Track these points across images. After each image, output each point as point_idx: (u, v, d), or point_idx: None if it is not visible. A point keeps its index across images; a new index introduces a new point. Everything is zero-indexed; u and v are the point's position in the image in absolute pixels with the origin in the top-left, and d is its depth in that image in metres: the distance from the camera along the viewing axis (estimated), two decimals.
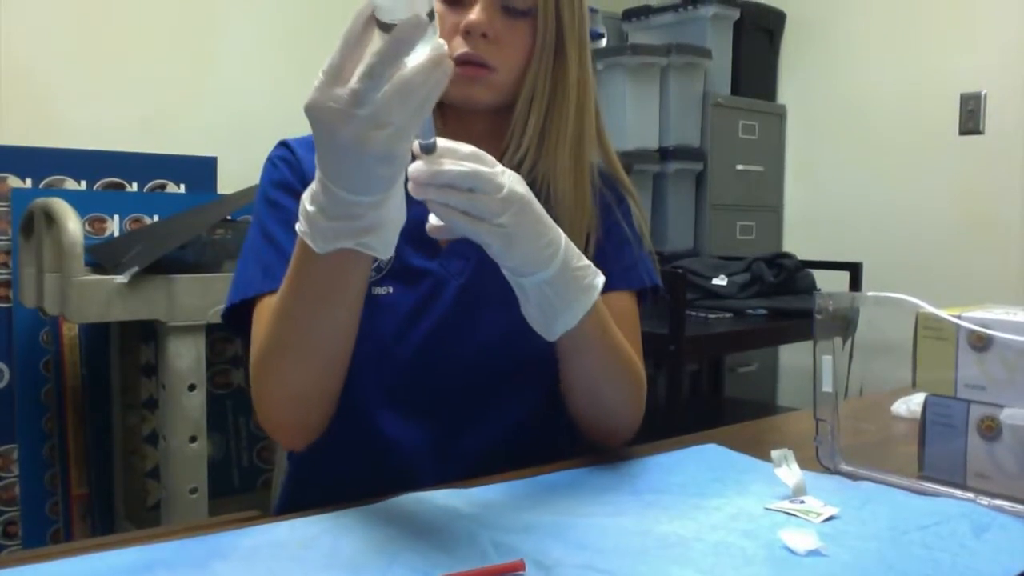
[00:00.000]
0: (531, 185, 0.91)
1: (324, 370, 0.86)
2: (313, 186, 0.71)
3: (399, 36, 0.63)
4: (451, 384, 0.97)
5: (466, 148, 0.74)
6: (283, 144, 1.01)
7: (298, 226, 0.74)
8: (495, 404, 0.99)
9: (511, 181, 0.75)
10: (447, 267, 0.97)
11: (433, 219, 0.77)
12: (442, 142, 0.73)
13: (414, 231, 0.94)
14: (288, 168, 0.98)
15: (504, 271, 0.81)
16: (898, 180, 3.20)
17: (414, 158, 0.72)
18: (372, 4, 0.65)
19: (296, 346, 0.84)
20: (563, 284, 0.81)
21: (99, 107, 2.39)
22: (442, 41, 0.66)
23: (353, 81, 0.64)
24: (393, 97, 0.64)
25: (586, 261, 0.84)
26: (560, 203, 0.95)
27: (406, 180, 0.72)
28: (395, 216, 0.73)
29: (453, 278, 0.97)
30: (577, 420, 1.00)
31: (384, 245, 0.73)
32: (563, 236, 0.81)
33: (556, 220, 0.87)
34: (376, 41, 0.65)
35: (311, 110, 0.66)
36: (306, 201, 0.72)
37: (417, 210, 0.96)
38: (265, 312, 0.90)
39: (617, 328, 0.93)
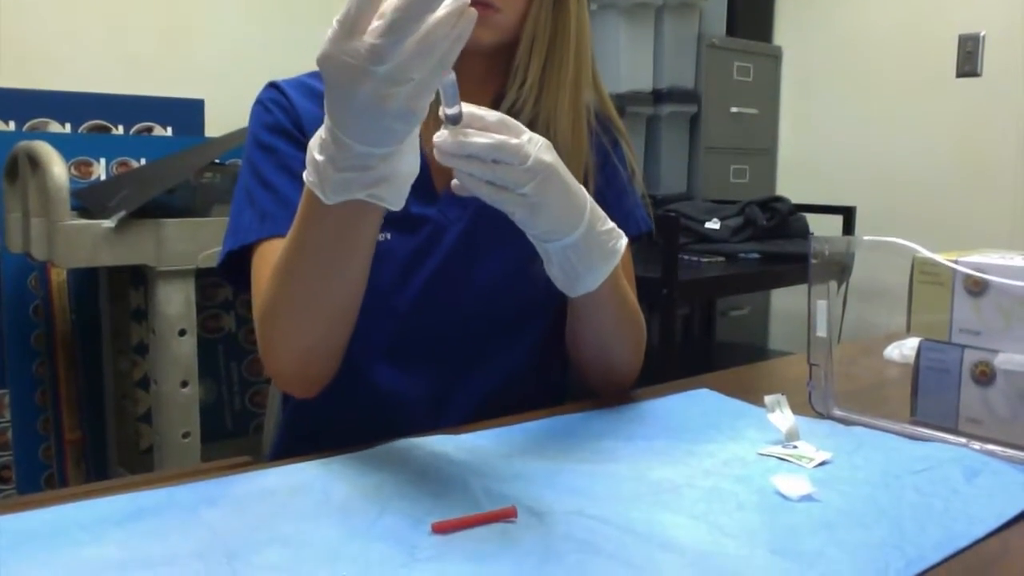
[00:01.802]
0: (530, 127, 0.90)
1: (332, 326, 0.84)
2: (322, 134, 0.69)
3: None
4: (449, 332, 0.97)
5: (493, 116, 0.72)
6: (273, 86, 0.98)
7: (306, 175, 0.71)
8: (493, 351, 0.99)
9: (537, 150, 0.74)
10: (446, 213, 0.96)
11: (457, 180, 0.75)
12: (468, 108, 0.71)
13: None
14: (281, 111, 0.95)
15: (528, 235, 0.81)
16: (894, 123, 3.17)
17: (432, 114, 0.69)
18: None
19: (303, 303, 0.82)
20: (586, 249, 0.81)
21: (83, 47, 2.34)
22: None
23: (372, 35, 0.60)
24: (414, 52, 0.61)
25: (610, 224, 0.83)
26: (559, 145, 0.93)
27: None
28: (408, 168, 0.71)
29: (452, 225, 0.96)
30: (580, 370, 1.01)
31: (396, 197, 0.71)
32: (588, 201, 0.81)
33: None
34: None
35: (325, 63, 0.63)
36: (314, 150, 0.70)
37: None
38: (266, 258, 0.88)
39: (624, 281, 0.93)
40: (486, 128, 0.71)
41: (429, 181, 0.95)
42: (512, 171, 0.72)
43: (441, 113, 0.70)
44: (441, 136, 0.71)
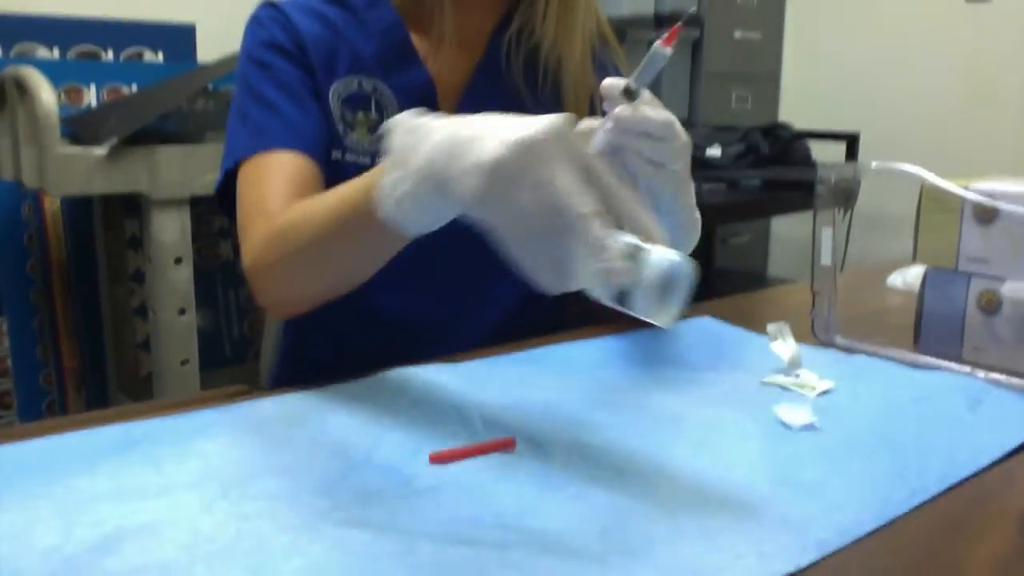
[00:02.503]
0: (536, 51, 0.93)
1: (334, 290, 0.80)
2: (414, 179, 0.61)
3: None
4: (457, 258, 0.95)
5: (647, 93, 0.71)
6: (270, 4, 0.95)
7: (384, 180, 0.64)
8: (502, 278, 0.97)
9: (680, 127, 0.73)
10: None
11: None
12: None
13: (419, 96, 0.92)
14: (279, 27, 0.93)
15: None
16: (900, 49, 3.12)
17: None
18: None
19: (316, 268, 0.78)
20: (691, 223, 0.81)
21: None
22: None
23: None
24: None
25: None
26: (570, 74, 0.94)
27: None
28: None
29: None
30: None
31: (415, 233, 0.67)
32: None
33: (564, 88, 0.91)
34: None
35: (537, 150, 0.54)
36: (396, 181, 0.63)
37: (421, 75, 0.93)
38: (259, 171, 0.85)
39: None
40: (649, 103, 0.70)
41: (435, 101, 0.94)
42: (671, 148, 0.71)
43: (619, 84, 0.69)
44: (621, 110, 0.69)
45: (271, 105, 0.89)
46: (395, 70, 0.93)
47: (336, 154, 0.92)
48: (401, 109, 0.90)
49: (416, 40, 0.94)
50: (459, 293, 0.97)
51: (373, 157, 0.92)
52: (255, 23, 0.94)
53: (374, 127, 0.92)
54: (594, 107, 0.95)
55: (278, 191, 0.84)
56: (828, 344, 0.92)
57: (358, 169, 0.91)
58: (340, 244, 0.74)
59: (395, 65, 0.93)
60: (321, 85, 0.92)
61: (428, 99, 0.93)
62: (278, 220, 0.80)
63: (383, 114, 0.92)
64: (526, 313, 0.99)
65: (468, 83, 0.96)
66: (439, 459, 0.62)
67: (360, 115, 0.92)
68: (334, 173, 0.91)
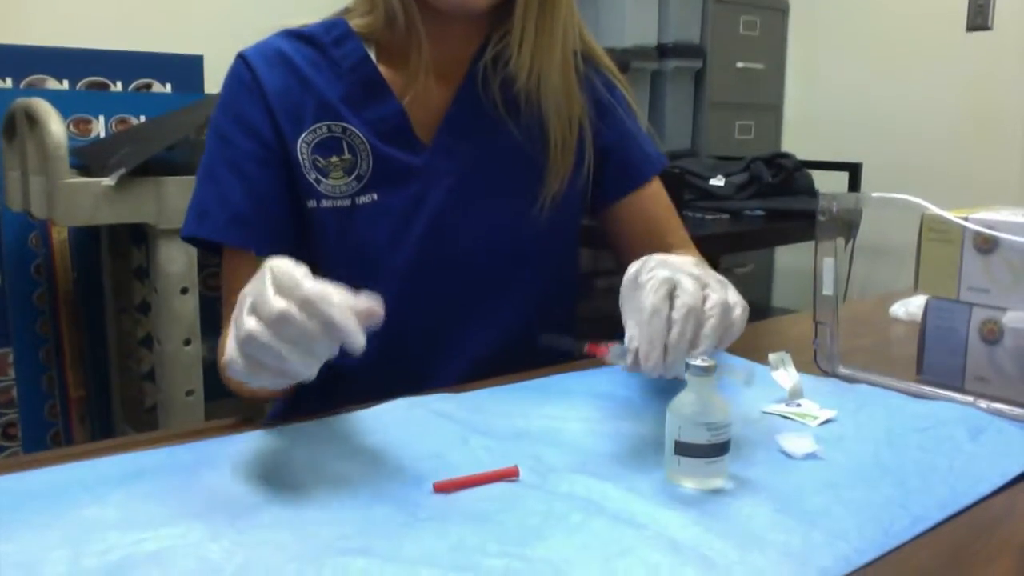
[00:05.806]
0: (526, 83, 0.92)
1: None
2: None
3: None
4: (448, 287, 0.96)
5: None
6: (242, 58, 0.95)
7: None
8: (494, 305, 0.98)
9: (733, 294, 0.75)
10: (435, 164, 0.94)
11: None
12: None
13: (391, 128, 0.91)
14: (246, 94, 0.93)
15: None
16: (902, 78, 3.13)
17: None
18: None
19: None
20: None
21: (81, 3, 2.30)
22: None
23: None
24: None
25: None
26: (550, 98, 0.94)
27: None
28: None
29: (443, 175, 0.94)
30: None
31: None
32: None
33: (546, 113, 0.92)
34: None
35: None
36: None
37: (392, 107, 0.93)
38: (228, 267, 0.94)
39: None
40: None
41: (410, 131, 0.94)
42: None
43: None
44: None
45: (220, 189, 0.92)
46: (364, 107, 0.93)
47: (311, 203, 0.93)
48: (373, 145, 0.92)
49: (388, 73, 0.94)
50: (457, 317, 0.97)
51: (353, 199, 0.92)
52: (228, 83, 0.95)
53: (349, 168, 0.92)
54: (582, 128, 0.97)
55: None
56: (830, 374, 0.92)
57: (335, 213, 0.92)
58: None
59: (364, 102, 0.93)
60: (288, 141, 0.92)
61: (401, 130, 0.93)
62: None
63: (356, 153, 0.92)
64: (519, 340, 0.98)
65: (446, 112, 0.96)
66: (443, 488, 0.62)
67: (334, 158, 0.92)
68: (311, 222, 0.93)
